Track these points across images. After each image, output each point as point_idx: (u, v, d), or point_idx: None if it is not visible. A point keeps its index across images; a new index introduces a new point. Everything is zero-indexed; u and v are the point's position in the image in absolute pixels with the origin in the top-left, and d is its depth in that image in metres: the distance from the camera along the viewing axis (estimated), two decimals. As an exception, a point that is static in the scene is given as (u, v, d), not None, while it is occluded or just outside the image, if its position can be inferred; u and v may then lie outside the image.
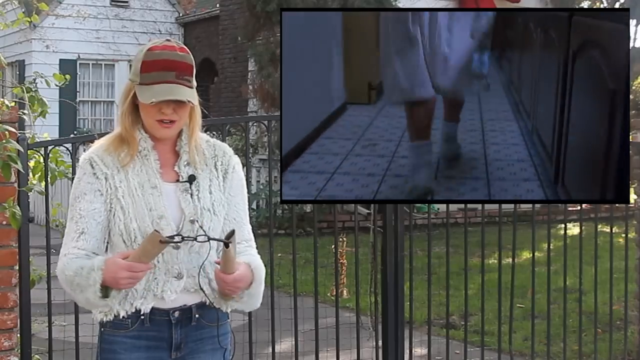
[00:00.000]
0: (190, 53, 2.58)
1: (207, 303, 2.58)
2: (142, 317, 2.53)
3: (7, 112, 3.57)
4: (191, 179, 2.56)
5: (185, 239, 2.47)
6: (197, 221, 2.53)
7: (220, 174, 2.63)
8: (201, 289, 2.56)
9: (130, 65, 2.70)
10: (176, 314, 2.55)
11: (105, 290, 2.47)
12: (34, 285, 3.88)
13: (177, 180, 2.57)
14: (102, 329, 2.59)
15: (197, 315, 2.57)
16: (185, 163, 2.59)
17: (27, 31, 16.65)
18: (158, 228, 2.46)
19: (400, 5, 13.23)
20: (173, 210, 2.53)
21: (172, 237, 2.44)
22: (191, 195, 2.55)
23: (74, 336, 3.99)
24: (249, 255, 2.64)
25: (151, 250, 2.41)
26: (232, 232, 2.46)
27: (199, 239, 2.49)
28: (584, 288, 5.38)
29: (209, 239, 2.50)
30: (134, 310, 2.53)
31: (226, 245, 2.43)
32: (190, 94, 2.51)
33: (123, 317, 2.54)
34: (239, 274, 2.50)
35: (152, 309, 2.54)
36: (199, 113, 2.61)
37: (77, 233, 2.53)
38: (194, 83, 2.57)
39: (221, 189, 2.62)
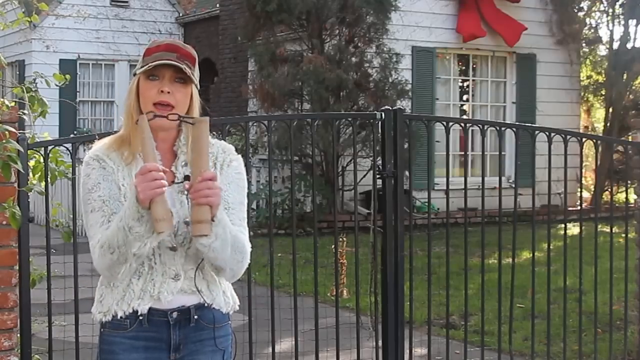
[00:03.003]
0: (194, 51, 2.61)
1: (206, 304, 2.57)
2: (141, 318, 2.53)
3: (7, 112, 3.56)
4: (186, 179, 2.51)
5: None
6: (191, 222, 2.50)
7: (217, 172, 2.58)
8: (198, 290, 2.55)
9: (132, 67, 2.71)
10: (174, 314, 2.54)
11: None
12: (34, 285, 3.88)
13: (174, 182, 2.55)
14: (102, 330, 2.59)
15: (195, 316, 2.56)
16: (183, 163, 2.57)
17: (27, 31, 16.64)
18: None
19: (400, 6, 13.22)
20: None
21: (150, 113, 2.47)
22: (187, 196, 2.49)
23: (74, 336, 3.99)
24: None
25: (146, 140, 2.39)
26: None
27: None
28: (584, 288, 5.38)
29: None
30: (131, 311, 2.53)
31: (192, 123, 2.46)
32: (189, 74, 2.51)
33: (121, 317, 2.53)
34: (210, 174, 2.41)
35: (151, 309, 2.53)
36: (198, 113, 2.58)
37: (105, 217, 2.48)
38: (196, 76, 2.57)
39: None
